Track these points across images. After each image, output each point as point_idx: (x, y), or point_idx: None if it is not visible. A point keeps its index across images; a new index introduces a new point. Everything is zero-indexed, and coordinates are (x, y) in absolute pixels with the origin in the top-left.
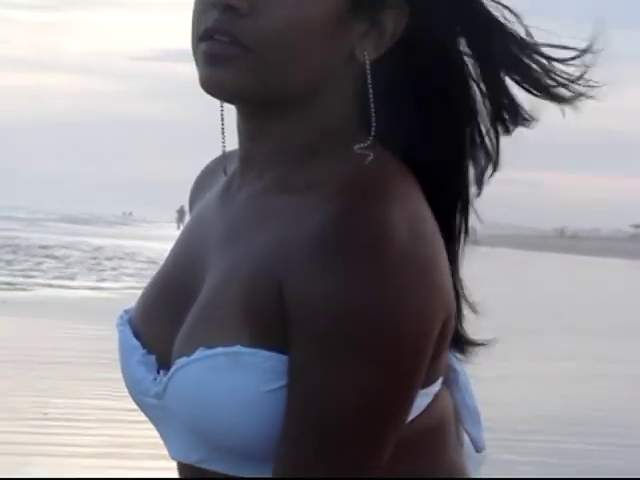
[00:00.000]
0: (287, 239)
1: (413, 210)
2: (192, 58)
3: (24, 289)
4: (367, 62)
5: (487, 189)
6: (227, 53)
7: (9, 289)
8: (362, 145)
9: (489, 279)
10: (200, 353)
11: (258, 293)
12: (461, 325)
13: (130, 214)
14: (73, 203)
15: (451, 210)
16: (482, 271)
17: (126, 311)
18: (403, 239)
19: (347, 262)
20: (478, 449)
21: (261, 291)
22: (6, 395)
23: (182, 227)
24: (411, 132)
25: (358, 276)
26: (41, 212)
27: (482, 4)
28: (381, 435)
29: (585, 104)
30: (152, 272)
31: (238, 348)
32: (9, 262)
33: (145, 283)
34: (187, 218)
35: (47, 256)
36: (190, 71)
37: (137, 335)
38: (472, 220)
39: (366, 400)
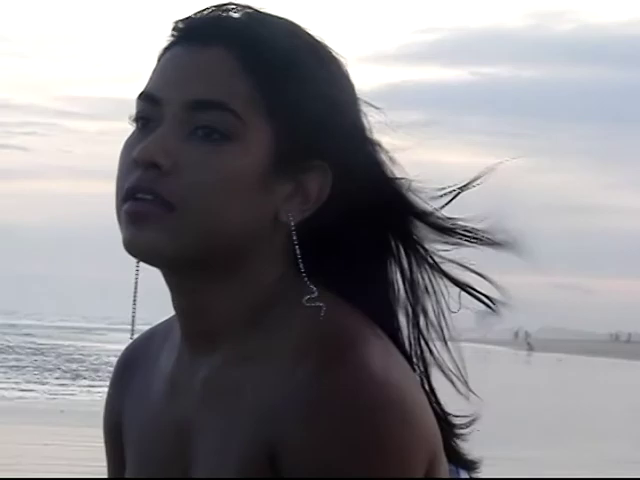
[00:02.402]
0: (268, 408)
1: (381, 348)
2: None
3: (82, 397)
4: (292, 224)
5: (542, 295)
6: (149, 211)
7: (67, 397)
8: (310, 296)
9: (545, 385)
10: None
11: (251, 465)
12: (454, 444)
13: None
14: (126, 309)
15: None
16: (539, 377)
17: None
18: (385, 386)
19: (332, 422)
20: None
21: (254, 463)
22: None
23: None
24: (342, 274)
25: (344, 429)
26: (100, 321)
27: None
28: None
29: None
30: None
31: None
32: (68, 371)
33: None
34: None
35: (105, 364)
36: None
37: None
38: (526, 325)
39: None
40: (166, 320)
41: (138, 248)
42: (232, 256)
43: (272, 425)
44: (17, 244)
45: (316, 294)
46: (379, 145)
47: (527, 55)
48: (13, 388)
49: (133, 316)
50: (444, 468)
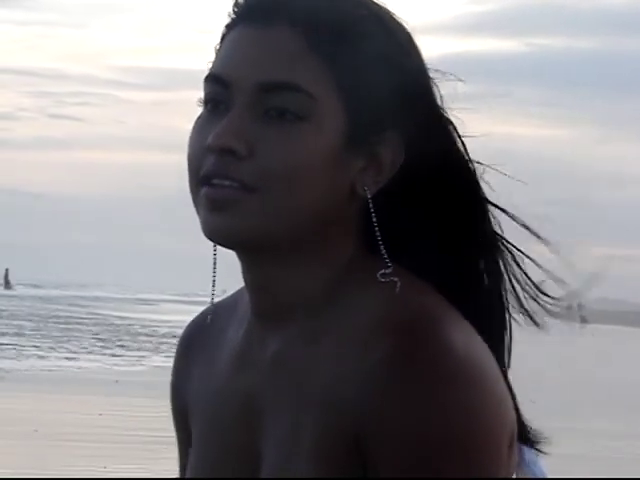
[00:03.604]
0: (348, 385)
1: (460, 324)
2: None
3: (136, 368)
4: (369, 197)
5: (600, 266)
6: (230, 196)
7: (122, 367)
8: (384, 271)
9: (598, 357)
10: None
11: (329, 445)
12: (523, 420)
13: (225, 291)
14: (179, 279)
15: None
16: (591, 349)
17: None
18: (469, 362)
19: (423, 397)
20: None
21: (330, 442)
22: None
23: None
24: (419, 248)
25: (435, 409)
26: (151, 291)
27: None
28: None
29: None
30: None
31: None
32: (123, 342)
33: None
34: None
35: (163, 335)
36: None
37: None
38: (581, 297)
39: None
40: (230, 296)
41: (221, 234)
42: (311, 233)
43: (354, 404)
44: (72, 215)
45: (391, 269)
46: (450, 119)
47: (583, 26)
48: (69, 358)
49: (213, 294)
50: (515, 447)
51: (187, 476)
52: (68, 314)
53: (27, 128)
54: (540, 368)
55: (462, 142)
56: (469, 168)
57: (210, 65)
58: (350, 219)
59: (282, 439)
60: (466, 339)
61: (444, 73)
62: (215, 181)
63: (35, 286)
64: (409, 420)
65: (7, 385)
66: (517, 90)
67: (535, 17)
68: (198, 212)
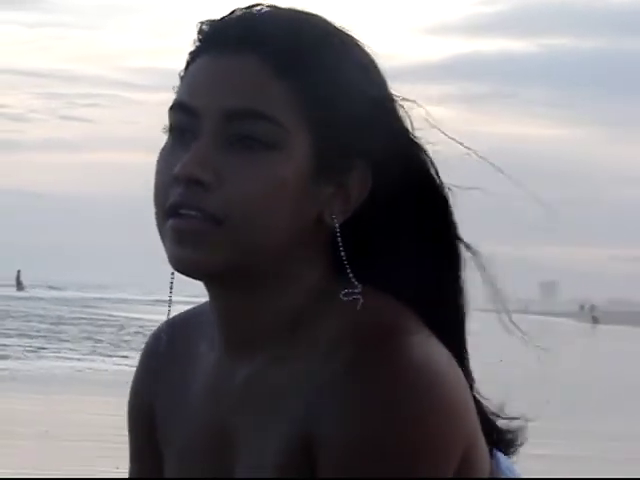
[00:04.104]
0: (304, 401)
1: (421, 335)
2: None
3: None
4: (336, 226)
5: (608, 268)
6: (196, 228)
7: (134, 368)
8: (348, 291)
9: (606, 358)
10: None
11: (288, 459)
12: (494, 425)
13: None
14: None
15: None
16: (601, 349)
17: None
18: (423, 371)
19: (373, 403)
20: None
21: (291, 457)
22: None
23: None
24: (387, 267)
25: (385, 416)
26: (156, 292)
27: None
28: None
29: None
30: None
31: None
32: (136, 343)
33: None
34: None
35: None
36: None
37: None
38: (593, 297)
39: None
40: (196, 309)
41: (188, 267)
42: (278, 263)
43: (308, 417)
44: (83, 215)
45: (359, 289)
46: (420, 145)
47: (594, 25)
48: (82, 359)
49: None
50: (481, 455)
51: None
52: (80, 315)
53: (38, 130)
54: (546, 369)
55: (434, 167)
56: (441, 192)
57: (175, 91)
58: (318, 245)
59: (250, 454)
60: (428, 350)
61: (410, 100)
62: (182, 211)
63: (49, 287)
64: (355, 424)
65: (19, 386)
66: (524, 91)
67: (545, 17)
68: (164, 243)
